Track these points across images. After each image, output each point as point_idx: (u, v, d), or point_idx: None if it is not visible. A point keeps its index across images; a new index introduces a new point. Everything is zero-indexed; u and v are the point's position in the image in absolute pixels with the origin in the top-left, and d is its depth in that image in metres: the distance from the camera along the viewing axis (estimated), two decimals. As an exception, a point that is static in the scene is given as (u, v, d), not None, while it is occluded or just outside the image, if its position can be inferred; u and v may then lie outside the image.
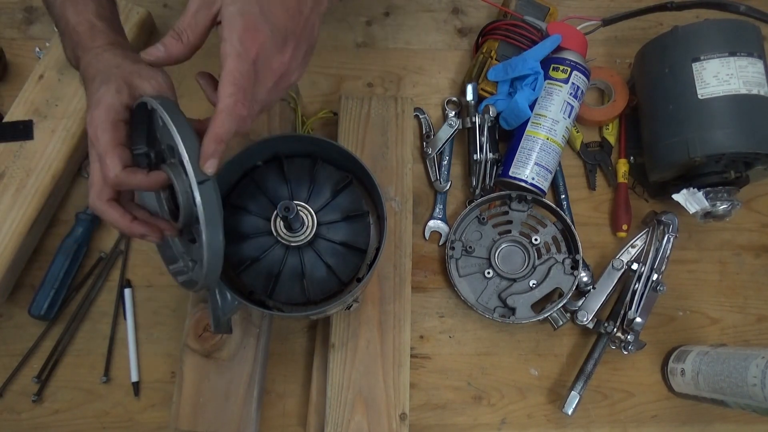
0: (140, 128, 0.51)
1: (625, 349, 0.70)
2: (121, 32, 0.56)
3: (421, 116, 0.80)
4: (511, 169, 0.72)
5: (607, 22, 0.78)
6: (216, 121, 0.45)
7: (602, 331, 0.70)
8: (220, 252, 0.46)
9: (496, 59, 0.77)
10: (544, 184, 0.73)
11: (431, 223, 0.76)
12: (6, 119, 0.71)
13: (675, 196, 0.70)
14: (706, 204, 0.69)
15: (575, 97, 0.73)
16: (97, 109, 0.47)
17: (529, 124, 0.73)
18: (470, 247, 0.74)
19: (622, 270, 0.73)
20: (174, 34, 0.47)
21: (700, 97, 0.68)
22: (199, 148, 0.44)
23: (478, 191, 0.75)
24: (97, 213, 0.50)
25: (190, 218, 0.49)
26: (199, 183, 0.44)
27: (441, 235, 0.76)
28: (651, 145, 0.74)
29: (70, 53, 0.55)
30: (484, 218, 0.75)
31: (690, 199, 0.69)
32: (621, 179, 0.78)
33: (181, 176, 0.48)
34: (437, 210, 0.76)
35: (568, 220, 0.73)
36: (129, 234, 0.51)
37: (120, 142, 0.48)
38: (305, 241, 0.58)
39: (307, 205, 0.59)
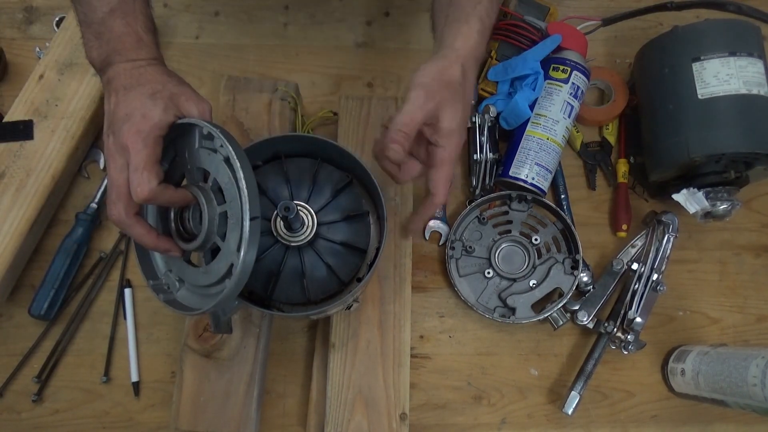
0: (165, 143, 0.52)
1: (625, 349, 0.70)
2: (159, 47, 0.56)
3: (421, 116, 0.80)
4: (511, 169, 0.72)
5: (607, 22, 0.78)
6: (428, 210, 0.59)
7: (602, 331, 0.70)
8: (243, 283, 0.47)
9: (496, 59, 0.77)
10: (544, 184, 0.73)
11: (431, 223, 0.76)
12: (6, 119, 0.71)
13: (675, 196, 0.70)
14: (706, 204, 0.69)
15: (575, 97, 0.73)
16: (143, 123, 0.48)
17: (529, 124, 0.73)
18: (470, 247, 0.74)
19: (622, 270, 0.73)
20: (401, 138, 0.53)
21: (700, 97, 0.68)
22: (254, 182, 0.46)
23: (478, 191, 0.75)
24: (122, 227, 0.50)
25: (207, 243, 0.50)
26: (251, 219, 0.45)
27: (441, 235, 0.76)
28: (651, 145, 0.74)
29: (100, 55, 0.53)
30: (484, 218, 0.75)
31: (690, 199, 0.69)
32: (621, 179, 0.78)
33: (212, 203, 0.49)
34: (437, 210, 0.76)
35: (568, 220, 0.73)
36: (153, 248, 0.52)
37: (158, 159, 0.49)
38: (305, 241, 0.58)
39: (307, 205, 0.59)
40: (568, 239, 0.74)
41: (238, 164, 0.45)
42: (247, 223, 0.45)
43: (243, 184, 0.45)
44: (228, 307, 0.55)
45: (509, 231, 0.75)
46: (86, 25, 0.54)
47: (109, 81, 0.52)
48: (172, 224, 0.53)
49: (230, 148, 0.46)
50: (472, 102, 0.58)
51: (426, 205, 0.58)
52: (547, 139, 0.72)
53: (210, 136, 0.48)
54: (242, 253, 0.45)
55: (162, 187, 0.48)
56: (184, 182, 0.54)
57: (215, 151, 0.49)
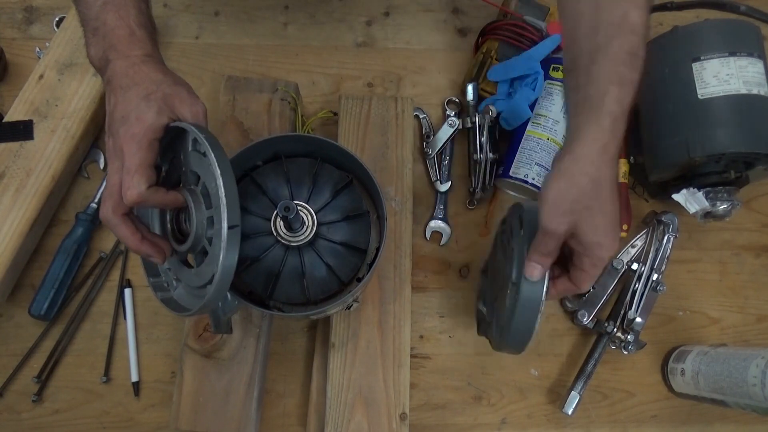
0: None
1: (625, 349, 0.70)
2: (156, 43, 0.56)
3: (421, 116, 0.80)
4: (512, 169, 0.72)
5: (607, 22, 0.78)
6: (566, 291, 0.56)
7: (602, 331, 0.70)
8: (225, 289, 0.48)
9: (496, 59, 0.77)
10: (544, 184, 0.73)
11: (432, 223, 0.76)
12: (6, 119, 0.71)
13: (675, 196, 0.70)
14: (706, 204, 0.69)
15: (575, 97, 0.73)
16: (137, 126, 0.48)
17: (530, 124, 0.73)
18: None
19: (622, 270, 0.73)
20: (541, 260, 0.52)
21: (700, 97, 0.68)
22: (235, 190, 0.46)
23: (478, 191, 0.75)
24: (109, 226, 0.50)
25: (197, 245, 0.50)
26: (229, 227, 0.45)
27: (442, 235, 0.76)
28: (651, 145, 0.74)
29: (98, 52, 0.54)
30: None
31: (690, 199, 0.69)
32: (621, 179, 0.78)
33: (201, 207, 0.49)
34: (438, 210, 0.76)
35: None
36: (135, 251, 0.51)
37: (152, 162, 0.49)
38: (305, 241, 0.58)
39: (307, 205, 0.59)
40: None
41: (219, 172, 0.45)
42: (224, 232, 0.45)
43: (222, 192, 0.45)
44: (227, 307, 0.55)
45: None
46: (85, 22, 0.54)
47: (108, 81, 0.52)
48: (168, 224, 0.53)
49: (212, 155, 0.46)
50: (617, 207, 0.52)
51: (566, 289, 0.56)
52: (548, 139, 0.72)
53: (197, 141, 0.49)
54: (221, 259, 0.45)
55: (152, 190, 0.48)
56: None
57: (204, 155, 0.49)
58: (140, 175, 0.47)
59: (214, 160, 0.46)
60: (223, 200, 0.45)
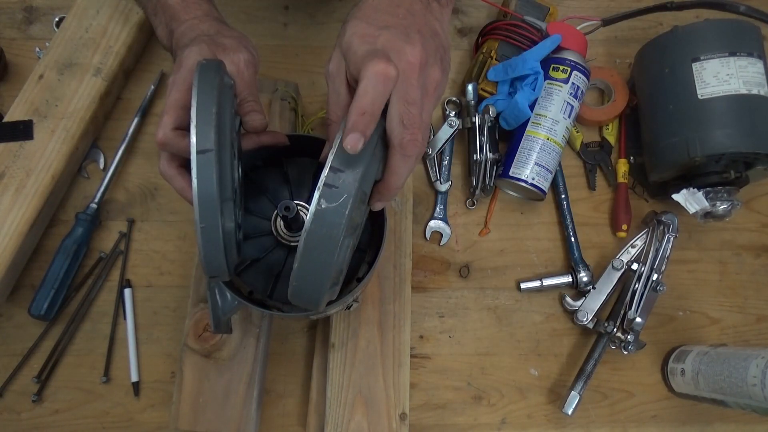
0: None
1: (625, 349, 0.70)
2: (212, 3, 0.58)
3: (421, 116, 0.79)
4: (512, 169, 0.72)
5: (607, 22, 0.78)
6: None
7: (602, 331, 0.70)
8: (215, 237, 0.44)
9: (496, 59, 0.77)
10: (545, 184, 0.73)
11: (432, 223, 0.76)
12: (6, 119, 0.71)
13: (675, 196, 0.70)
14: (706, 204, 0.69)
15: (575, 97, 0.73)
16: (179, 71, 0.49)
17: (529, 124, 0.73)
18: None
19: (622, 270, 0.73)
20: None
21: (700, 97, 0.68)
22: (215, 115, 0.43)
23: (478, 191, 0.75)
24: (166, 180, 0.51)
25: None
26: (200, 152, 0.43)
27: (442, 235, 0.76)
28: (651, 145, 0.74)
29: (164, 30, 0.56)
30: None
31: (690, 199, 0.69)
32: (621, 179, 0.78)
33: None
34: (438, 210, 0.76)
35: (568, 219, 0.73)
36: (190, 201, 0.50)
37: (185, 105, 0.48)
38: (305, 241, 0.58)
39: (307, 205, 0.58)
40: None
41: (195, 90, 0.43)
42: (194, 155, 0.43)
43: (194, 111, 0.43)
44: (227, 307, 0.55)
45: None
46: (147, 11, 0.58)
47: (174, 49, 0.54)
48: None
49: (196, 77, 0.44)
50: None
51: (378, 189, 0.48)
52: (547, 139, 0.72)
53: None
54: (194, 186, 0.43)
55: (178, 132, 0.48)
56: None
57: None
58: (168, 116, 0.48)
59: (196, 80, 0.44)
60: (194, 120, 0.43)
